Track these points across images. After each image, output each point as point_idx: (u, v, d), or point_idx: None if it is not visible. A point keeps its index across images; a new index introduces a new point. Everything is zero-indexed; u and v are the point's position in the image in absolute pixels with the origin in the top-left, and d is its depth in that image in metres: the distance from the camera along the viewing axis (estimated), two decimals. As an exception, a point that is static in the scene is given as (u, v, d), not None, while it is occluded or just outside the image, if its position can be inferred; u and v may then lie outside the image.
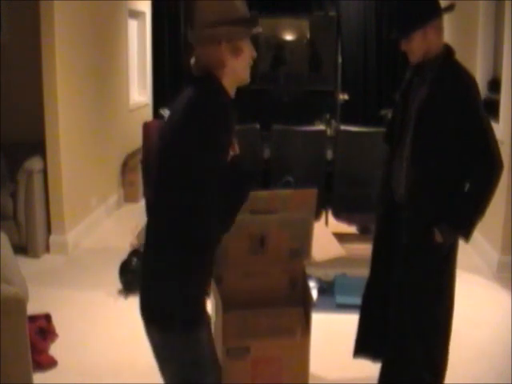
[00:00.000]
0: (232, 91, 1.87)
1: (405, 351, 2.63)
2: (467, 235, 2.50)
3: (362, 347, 2.90)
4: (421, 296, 2.58)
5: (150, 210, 1.93)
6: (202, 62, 1.83)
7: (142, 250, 4.21)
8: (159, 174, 1.83)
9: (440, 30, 2.48)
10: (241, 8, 1.85)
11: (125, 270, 4.16)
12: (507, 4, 4.47)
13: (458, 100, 2.41)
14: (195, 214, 1.76)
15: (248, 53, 1.86)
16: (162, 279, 1.83)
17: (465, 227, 2.49)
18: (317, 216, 4.30)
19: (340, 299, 4.00)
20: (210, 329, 1.98)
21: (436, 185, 2.50)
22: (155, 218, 1.87)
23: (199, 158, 1.73)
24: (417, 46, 2.46)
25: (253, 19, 1.87)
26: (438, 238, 2.47)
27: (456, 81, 2.44)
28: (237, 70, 1.85)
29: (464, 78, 2.46)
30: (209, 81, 1.82)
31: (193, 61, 1.87)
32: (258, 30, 1.87)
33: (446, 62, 2.48)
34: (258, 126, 4.81)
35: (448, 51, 2.50)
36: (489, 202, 2.46)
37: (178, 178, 1.76)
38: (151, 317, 1.87)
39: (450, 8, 2.49)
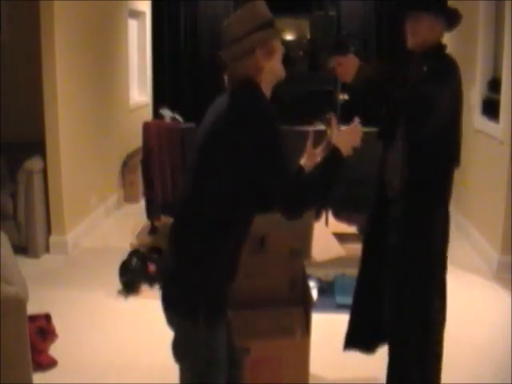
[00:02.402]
0: (269, 92, 1.94)
1: (402, 345, 2.64)
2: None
3: (354, 339, 2.92)
4: (413, 294, 2.58)
5: (183, 205, 1.95)
6: (240, 75, 1.87)
7: (142, 250, 4.18)
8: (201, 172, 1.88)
9: (442, 36, 2.56)
10: (265, 8, 1.88)
11: (125, 270, 4.15)
12: (507, 4, 4.47)
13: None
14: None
15: (280, 50, 1.92)
16: (189, 270, 1.87)
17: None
18: (317, 216, 4.30)
19: (340, 299, 4.00)
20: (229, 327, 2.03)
21: (429, 176, 2.51)
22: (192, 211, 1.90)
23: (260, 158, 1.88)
24: (423, 28, 2.46)
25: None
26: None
27: (437, 73, 2.47)
28: (274, 69, 1.92)
29: (445, 69, 2.49)
30: (248, 89, 1.86)
31: (227, 78, 1.91)
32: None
33: (430, 57, 2.52)
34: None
35: (438, 47, 2.54)
36: None
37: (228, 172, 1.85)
38: (175, 308, 1.89)
39: (456, 20, 2.60)
